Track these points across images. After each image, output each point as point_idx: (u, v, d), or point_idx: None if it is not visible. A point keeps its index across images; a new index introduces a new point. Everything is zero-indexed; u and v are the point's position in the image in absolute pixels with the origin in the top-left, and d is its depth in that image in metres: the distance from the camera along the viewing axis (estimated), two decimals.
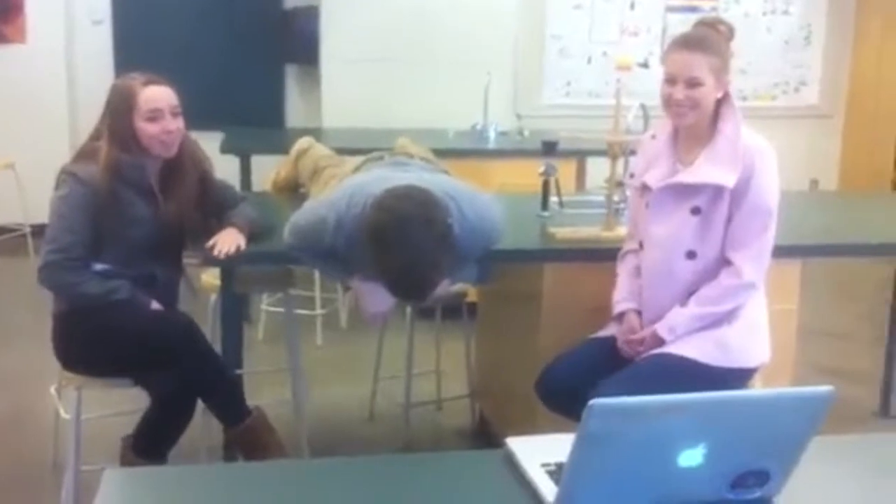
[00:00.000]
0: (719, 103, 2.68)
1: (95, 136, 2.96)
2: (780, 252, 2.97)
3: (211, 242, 2.91)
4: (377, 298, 2.86)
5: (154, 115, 2.89)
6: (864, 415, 4.17)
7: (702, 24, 2.79)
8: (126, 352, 2.85)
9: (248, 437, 2.90)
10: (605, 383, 2.57)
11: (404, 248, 2.47)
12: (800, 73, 7.69)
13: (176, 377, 2.83)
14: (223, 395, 2.93)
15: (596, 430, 1.40)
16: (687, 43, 2.67)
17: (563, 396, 2.69)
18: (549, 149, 3.44)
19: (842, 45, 7.73)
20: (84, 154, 2.95)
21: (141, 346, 2.84)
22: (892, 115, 7.55)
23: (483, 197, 2.87)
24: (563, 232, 3.16)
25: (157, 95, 2.91)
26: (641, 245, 2.81)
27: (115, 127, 2.91)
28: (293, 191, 3.76)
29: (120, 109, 2.91)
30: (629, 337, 2.75)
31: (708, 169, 2.66)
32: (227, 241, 2.91)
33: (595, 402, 1.38)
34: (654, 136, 2.85)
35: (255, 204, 3.18)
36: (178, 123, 2.94)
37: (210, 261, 2.94)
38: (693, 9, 7.20)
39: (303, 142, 3.80)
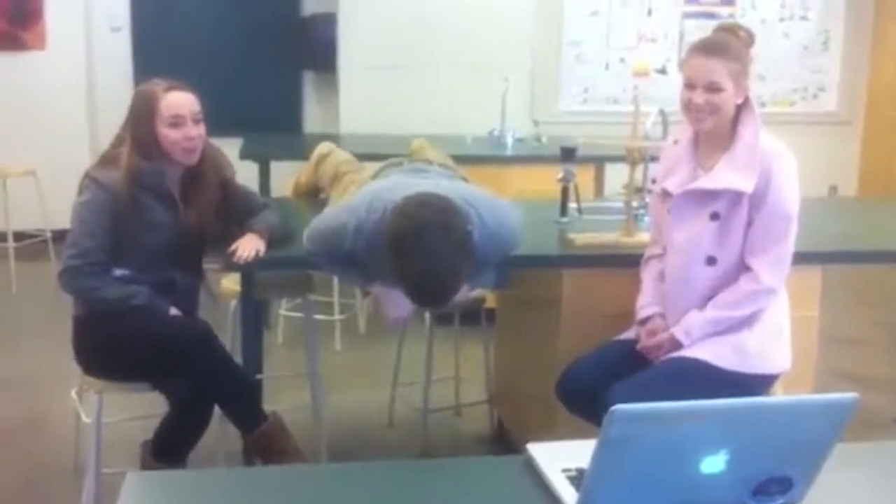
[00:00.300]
0: (739, 109, 2.68)
1: (118, 142, 2.98)
2: (800, 259, 2.95)
3: (231, 248, 2.92)
4: (397, 303, 2.86)
5: (176, 122, 2.90)
6: (885, 422, 4.14)
7: (721, 29, 2.78)
8: (143, 357, 2.87)
9: (264, 443, 2.91)
10: (620, 385, 2.57)
11: (424, 254, 2.47)
12: (818, 78, 7.65)
13: (192, 382, 2.84)
14: (239, 400, 2.94)
15: (617, 435, 1.40)
16: (706, 48, 2.67)
17: (582, 398, 2.69)
18: (568, 155, 3.43)
19: (860, 50, 7.69)
20: (107, 160, 2.97)
21: (157, 351, 2.86)
22: None
23: (502, 203, 2.87)
24: (582, 238, 3.16)
25: (179, 101, 2.92)
26: (664, 250, 2.81)
27: (137, 133, 2.93)
28: (314, 196, 3.77)
29: (142, 115, 2.93)
30: (647, 342, 2.75)
31: (727, 174, 2.65)
32: (247, 246, 2.93)
33: (617, 407, 1.38)
34: (675, 142, 2.85)
35: (277, 210, 3.18)
36: (199, 130, 2.95)
37: (230, 266, 2.95)
38: (710, 15, 7.19)
39: (323, 147, 3.81)
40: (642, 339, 2.77)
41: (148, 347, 2.86)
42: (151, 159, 2.92)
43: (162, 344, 2.86)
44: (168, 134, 2.90)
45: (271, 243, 3.00)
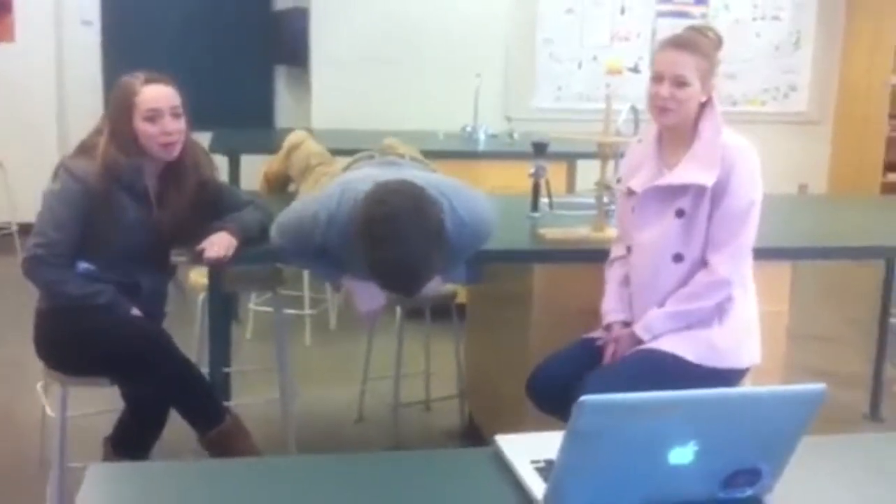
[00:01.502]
0: (702, 108, 2.69)
1: (97, 132, 2.90)
2: (770, 254, 2.97)
3: (200, 246, 2.83)
4: (368, 296, 2.85)
5: (152, 115, 2.81)
6: (854, 417, 4.18)
7: (691, 29, 2.80)
8: (98, 356, 2.82)
9: (221, 444, 2.84)
10: (591, 377, 2.58)
11: (396, 240, 2.46)
12: (789, 78, 7.70)
13: (145, 383, 2.79)
14: (192, 402, 2.86)
15: (586, 426, 1.39)
16: (676, 42, 2.69)
17: (554, 396, 2.68)
18: (540, 150, 3.43)
19: (831, 51, 7.75)
20: (84, 148, 2.88)
21: (112, 352, 2.80)
22: (881, 120, 7.57)
23: (474, 194, 2.86)
24: (553, 233, 3.16)
25: (157, 95, 2.83)
26: (629, 250, 2.81)
27: (115, 126, 2.85)
28: (283, 185, 3.74)
29: (120, 108, 2.84)
30: (603, 341, 2.76)
31: (689, 170, 2.67)
32: (217, 246, 2.83)
33: (585, 398, 1.37)
34: (640, 141, 2.87)
35: (262, 208, 3.07)
36: (178, 125, 2.85)
37: (198, 262, 2.90)
38: (683, 14, 7.21)
39: (295, 136, 3.78)
40: (604, 351, 2.77)
41: (103, 347, 2.81)
42: (129, 154, 2.83)
43: (117, 345, 2.80)
44: (145, 128, 2.81)
45: (248, 241, 2.91)
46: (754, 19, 7.49)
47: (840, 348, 5.19)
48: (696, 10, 7.29)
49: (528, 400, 2.80)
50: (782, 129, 7.41)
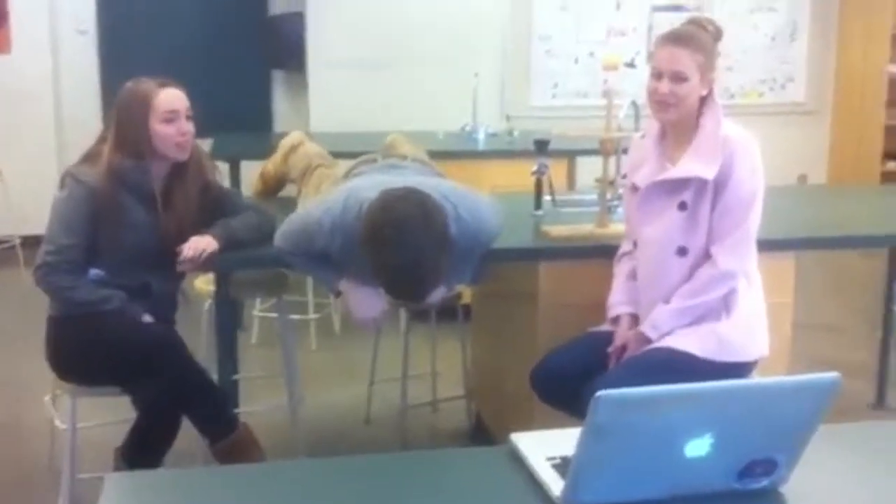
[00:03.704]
0: (703, 101, 2.70)
1: (101, 140, 2.94)
2: (774, 246, 2.97)
3: (178, 248, 2.85)
4: (367, 303, 2.86)
5: (171, 117, 2.88)
6: (860, 406, 4.18)
7: (690, 22, 2.80)
8: (110, 362, 2.83)
9: (231, 454, 2.85)
10: (601, 378, 2.57)
11: (403, 247, 2.46)
12: (786, 69, 7.71)
13: (158, 392, 2.79)
14: (203, 411, 2.88)
15: (603, 421, 1.39)
16: (675, 38, 2.69)
17: (558, 388, 2.69)
18: (542, 147, 3.43)
19: (827, 41, 7.76)
20: (89, 156, 2.93)
21: (124, 358, 2.81)
22: (878, 109, 7.58)
23: (479, 198, 2.87)
24: (558, 230, 3.16)
25: (174, 97, 2.91)
26: (635, 245, 2.81)
27: (125, 130, 2.89)
28: (279, 186, 3.74)
29: (134, 112, 2.88)
30: (612, 348, 2.75)
31: (690, 164, 2.67)
32: (194, 246, 2.84)
33: (602, 393, 1.38)
34: (643, 136, 2.87)
35: (261, 213, 3.08)
36: (191, 126, 2.93)
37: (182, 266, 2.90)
38: (679, 8, 7.22)
39: (293, 137, 3.78)
40: (611, 355, 2.76)
41: (115, 353, 2.82)
42: (137, 157, 2.88)
43: (129, 351, 2.81)
44: (162, 130, 2.87)
45: (237, 246, 2.92)
46: (750, 11, 7.49)
47: (845, 338, 5.19)
48: (692, 2, 7.30)
49: (535, 398, 2.80)
50: (780, 120, 7.42)
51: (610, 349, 2.76)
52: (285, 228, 2.85)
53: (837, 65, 7.85)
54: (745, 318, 2.71)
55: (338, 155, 3.81)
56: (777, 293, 3.05)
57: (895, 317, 4.33)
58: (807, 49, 7.71)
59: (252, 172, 4.94)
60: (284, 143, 3.76)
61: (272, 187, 3.79)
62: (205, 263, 2.89)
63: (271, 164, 3.78)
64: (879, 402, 4.26)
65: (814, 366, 4.30)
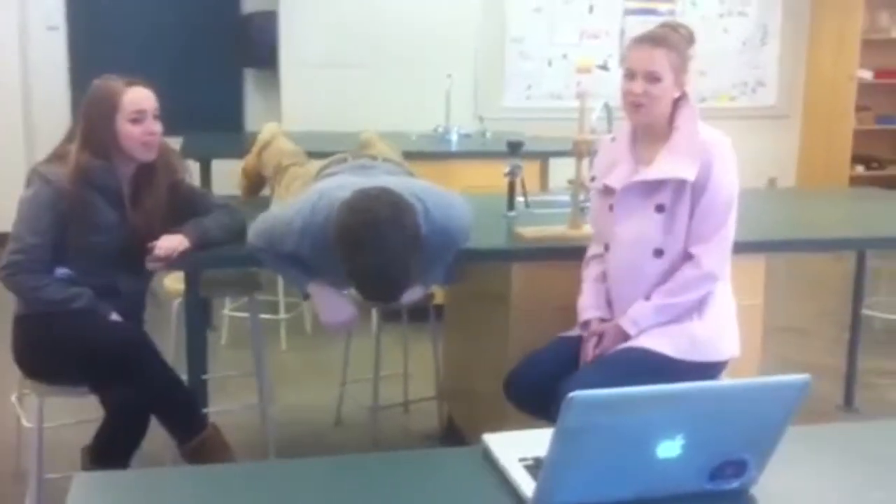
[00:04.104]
0: (676, 103, 2.71)
1: (69, 139, 2.91)
2: (744, 248, 2.99)
3: (149, 245, 2.83)
4: (336, 308, 2.85)
5: (138, 117, 2.85)
6: (828, 408, 4.21)
7: (664, 25, 2.82)
8: (78, 361, 2.80)
9: (199, 453, 2.83)
10: (571, 379, 2.57)
11: (375, 249, 2.45)
12: (757, 73, 7.77)
13: (127, 391, 2.76)
14: (172, 411, 2.86)
15: (575, 423, 1.39)
16: (648, 39, 2.71)
17: (532, 396, 2.69)
18: (515, 149, 3.43)
19: (797, 45, 7.83)
20: (57, 155, 2.90)
21: (92, 357, 2.78)
22: (848, 114, 7.67)
23: (450, 196, 2.86)
24: (531, 231, 3.16)
25: (141, 97, 2.88)
26: (607, 247, 2.82)
27: (92, 129, 2.87)
28: (262, 180, 3.72)
29: (101, 110, 2.86)
30: (586, 334, 2.76)
31: (668, 164, 2.68)
32: (164, 245, 2.82)
33: (574, 394, 1.38)
34: (613, 139, 2.87)
35: (233, 212, 3.06)
36: (158, 126, 2.91)
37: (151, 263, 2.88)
38: (651, 11, 7.26)
39: (267, 131, 3.76)
40: (583, 347, 2.77)
41: (84, 352, 2.79)
42: (104, 156, 2.86)
43: (97, 350, 2.78)
44: (129, 129, 2.85)
45: (209, 245, 2.90)
46: (721, 16, 7.55)
47: (813, 340, 5.24)
48: (664, 6, 7.34)
49: (506, 400, 2.80)
50: (751, 124, 7.48)
51: (584, 335, 2.76)
52: (258, 226, 2.83)
53: (808, 69, 7.93)
54: (717, 318, 2.73)
55: (310, 155, 3.79)
56: (748, 295, 3.06)
57: (863, 319, 4.38)
58: (778, 54, 7.77)
59: (223, 171, 4.94)
60: (260, 139, 3.74)
61: (255, 183, 3.78)
62: (176, 262, 2.87)
63: (250, 159, 3.77)
64: (847, 403, 4.30)
65: (783, 367, 4.34)
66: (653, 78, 2.65)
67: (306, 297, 2.93)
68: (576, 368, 2.71)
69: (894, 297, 5.23)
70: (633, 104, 2.68)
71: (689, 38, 2.76)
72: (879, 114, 8.00)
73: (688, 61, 2.72)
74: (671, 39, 2.70)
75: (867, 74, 7.73)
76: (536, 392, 2.65)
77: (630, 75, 2.68)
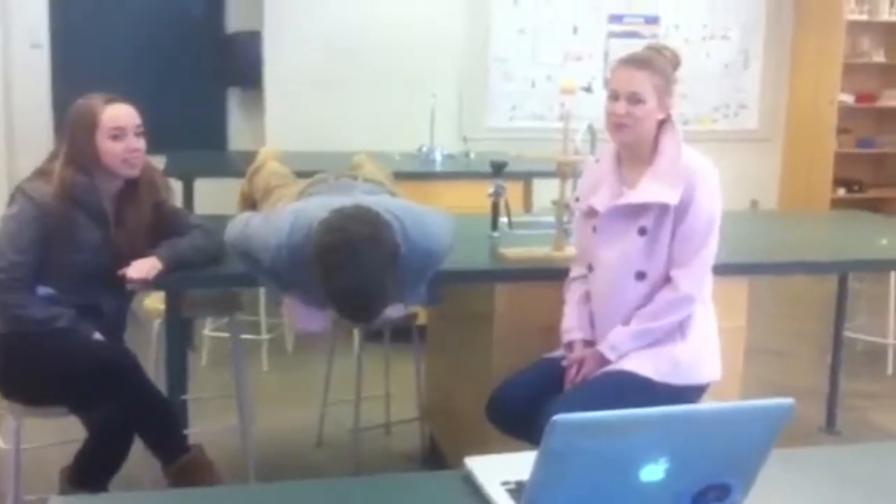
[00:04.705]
0: (661, 126, 2.71)
1: (53, 156, 2.90)
2: (727, 270, 2.99)
3: (122, 271, 2.79)
4: (310, 318, 2.83)
5: (117, 134, 2.84)
6: (810, 431, 4.22)
7: (649, 48, 2.83)
8: (61, 382, 2.77)
9: (184, 477, 2.80)
10: (555, 402, 2.56)
11: (353, 268, 2.44)
12: (739, 96, 7.82)
13: (111, 411, 2.74)
14: (159, 430, 2.84)
15: (558, 446, 1.38)
16: (632, 61, 2.72)
17: (515, 419, 2.67)
18: (498, 169, 3.43)
19: (779, 69, 7.89)
20: (41, 173, 2.89)
21: (76, 377, 2.75)
22: (829, 137, 7.72)
23: (428, 216, 2.83)
24: (514, 252, 3.15)
25: (121, 114, 2.88)
26: (590, 268, 2.82)
27: (74, 147, 2.86)
28: (254, 205, 3.71)
29: (81, 128, 2.86)
30: (568, 362, 2.75)
31: (652, 188, 2.68)
32: (138, 268, 2.79)
33: (558, 418, 1.36)
34: (597, 161, 2.88)
35: (208, 233, 3.02)
36: (141, 143, 2.90)
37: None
38: (635, 34, 7.30)
39: (260, 156, 3.77)
40: (567, 371, 2.76)
41: (67, 372, 2.76)
42: (87, 174, 2.85)
43: (82, 370, 2.76)
44: (109, 146, 2.84)
45: (183, 266, 2.87)
46: (704, 39, 7.60)
47: (796, 362, 5.25)
48: (648, 30, 7.38)
49: (489, 422, 2.79)
50: (733, 147, 7.52)
51: (564, 363, 2.76)
52: (238, 227, 2.82)
53: (789, 93, 7.99)
54: (699, 341, 2.73)
55: (294, 175, 3.78)
56: (730, 318, 3.07)
57: (845, 341, 4.39)
58: (760, 77, 7.83)
59: (206, 191, 4.92)
60: (254, 165, 3.75)
61: (251, 207, 3.76)
62: (153, 283, 2.85)
63: (244, 184, 3.78)
64: (829, 426, 4.31)
65: (765, 389, 4.35)
66: (636, 100, 2.65)
67: (279, 303, 2.91)
68: (559, 391, 2.70)
69: (876, 319, 5.24)
70: (616, 124, 2.69)
71: (675, 61, 2.77)
72: (860, 137, 8.06)
73: (672, 84, 2.73)
74: (656, 62, 2.71)
75: (848, 98, 7.80)
76: (519, 414, 2.64)
77: (614, 96, 2.69)
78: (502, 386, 2.78)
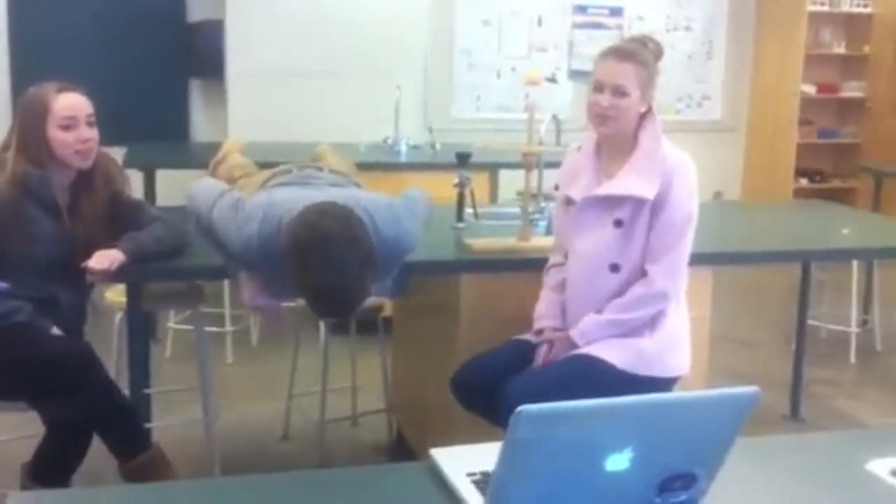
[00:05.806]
0: (642, 118, 2.71)
1: (5, 146, 2.84)
2: (691, 260, 2.99)
3: (84, 263, 2.74)
4: (263, 295, 2.80)
5: (69, 123, 2.78)
6: (774, 418, 4.25)
7: (633, 39, 2.83)
8: (18, 377, 2.72)
9: (141, 473, 2.76)
10: (517, 378, 2.58)
11: (328, 266, 2.41)
12: (703, 87, 7.87)
13: (70, 406, 2.70)
14: (116, 428, 2.79)
15: (524, 436, 1.37)
16: (617, 53, 2.71)
17: (478, 393, 2.69)
18: (463, 160, 3.42)
19: (742, 60, 7.95)
20: None
21: (34, 372, 2.71)
22: (791, 127, 7.79)
23: (396, 207, 2.81)
24: (480, 243, 3.15)
25: (72, 103, 2.81)
26: (566, 257, 2.82)
27: (25, 136, 2.80)
28: None
29: (32, 117, 2.80)
30: (537, 341, 2.76)
31: (629, 181, 2.68)
32: (100, 259, 2.74)
33: (523, 408, 1.36)
34: (579, 149, 2.87)
35: (167, 225, 2.99)
36: (93, 133, 2.84)
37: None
38: (598, 25, 7.31)
39: (224, 148, 3.73)
40: (536, 353, 2.76)
41: (25, 368, 2.71)
42: (39, 164, 2.79)
43: (40, 365, 2.71)
44: (61, 136, 2.78)
45: (144, 258, 2.83)
46: (667, 30, 7.63)
47: (759, 351, 5.29)
48: (611, 21, 7.40)
49: (456, 411, 2.79)
50: (697, 138, 7.53)
51: (535, 340, 2.76)
52: (207, 209, 2.74)
53: (752, 84, 8.05)
54: (668, 335, 2.74)
55: (257, 166, 3.74)
56: (695, 308, 3.07)
57: (808, 330, 4.43)
58: (723, 68, 7.88)
59: (168, 182, 4.87)
60: (217, 156, 3.70)
61: None
62: (114, 275, 2.81)
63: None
64: (794, 414, 4.35)
65: (729, 378, 4.38)
66: (620, 92, 2.65)
67: (228, 275, 2.86)
68: (524, 369, 2.70)
69: (839, 307, 5.30)
70: (600, 116, 2.68)
71: (658, 53, 2.78)
72: (822, 127, 8.14)
73: (655, 76, 2.73)
74: (640, 55, 2.71)
75: (810, 89, 7.87)
76: (482, 389, 2.64)
77: (598, 88, 2.68)
78: (469, 362, 2.79)
